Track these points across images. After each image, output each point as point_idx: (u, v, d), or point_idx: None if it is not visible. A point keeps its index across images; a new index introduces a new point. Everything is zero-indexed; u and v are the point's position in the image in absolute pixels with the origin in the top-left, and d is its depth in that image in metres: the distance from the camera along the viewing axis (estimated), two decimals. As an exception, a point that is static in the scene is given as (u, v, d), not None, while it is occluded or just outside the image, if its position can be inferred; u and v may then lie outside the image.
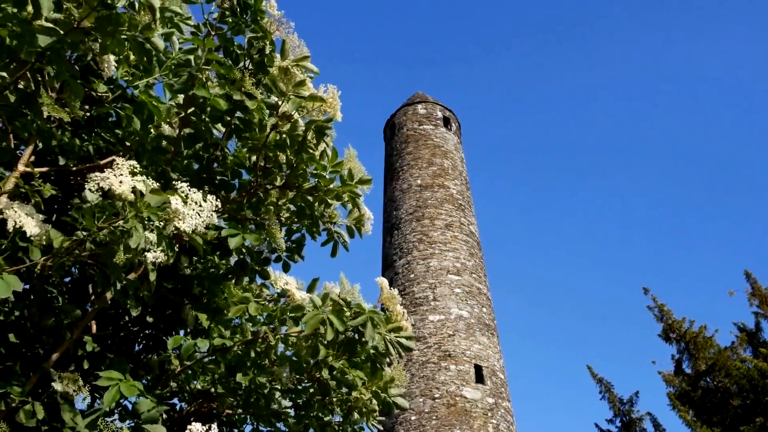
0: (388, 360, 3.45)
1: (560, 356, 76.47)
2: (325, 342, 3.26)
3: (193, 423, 2.28)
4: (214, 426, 2.35)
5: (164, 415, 3.10)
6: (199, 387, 3.98)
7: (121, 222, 2.50)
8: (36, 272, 2.74)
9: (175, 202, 2.57)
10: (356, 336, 3.28)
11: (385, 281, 3.32)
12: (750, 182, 77.82)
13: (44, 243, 2.63)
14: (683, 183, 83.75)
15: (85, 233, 2.56)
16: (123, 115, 3.34)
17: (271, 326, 3.55)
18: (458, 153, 21.72)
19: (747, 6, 75.96)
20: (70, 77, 2.80)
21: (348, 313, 3.20)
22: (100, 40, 2.76)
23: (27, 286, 3.44)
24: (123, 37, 2.79)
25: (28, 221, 2.52)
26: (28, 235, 2.52)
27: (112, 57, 3.03)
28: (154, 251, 2.57)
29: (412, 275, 18.09)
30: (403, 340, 3.25)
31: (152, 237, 2.56)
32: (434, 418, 15.38)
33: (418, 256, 18.43)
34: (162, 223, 2.57)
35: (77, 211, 2.58)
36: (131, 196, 2.50)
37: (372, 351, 3.31)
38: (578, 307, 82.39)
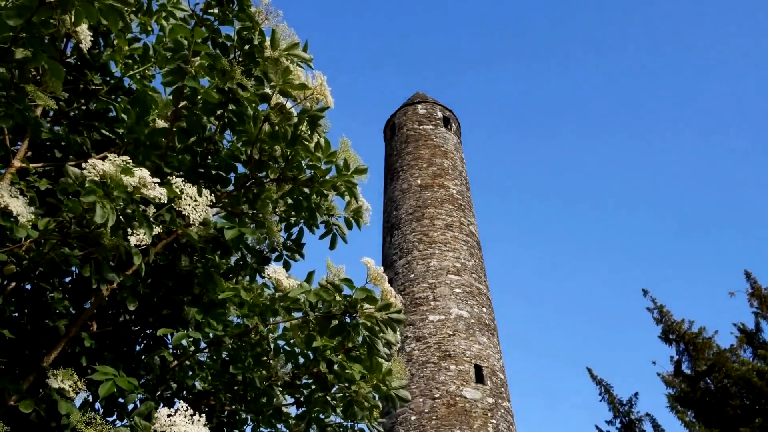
0: (387, 351, 3.41)
1: (560, 357, 76.37)
2: (314, 323, 3.22)
3: (160, 410, 2.25)
4: (199, 418, 2.32)
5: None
6: (198, 387, 3.97)
7: (88, 198, 2.47)
8: (22, 254, 2.71)
9: (140, 171, 2.54)
10: (347, 319, 3.25)
11: (371, 261, 3.28)
12: (750, 182, 77.85)
13: (31, 227, 2.61)
14: (682, 182, 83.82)
15: (71, 215, 2.54)
16: (119, 107, 3.32)
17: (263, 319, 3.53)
18: (458, 153, 21.74)
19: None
20: (49, 58, 2.75)
21: (337, 296, 3.19)
22: (67, 14, 2.68)
23: (25, 285, 3.43)
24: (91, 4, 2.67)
25: (13, 201, 2.51)
26: (14, 214, 2.51)
27: (85, 27, 2.95)
28: (137, 234, 2.55)
29: (412, 275, 18.08)
30: (394, 315, 3.21)
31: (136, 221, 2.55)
32: (434, 418, 15.36)
33: (418, 256, 18.42)
34: (143, 207, 2.55)
35: (61, 192, 2.56)
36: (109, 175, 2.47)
37: (366, 333, 3.27)
38: (578, 308, 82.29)
